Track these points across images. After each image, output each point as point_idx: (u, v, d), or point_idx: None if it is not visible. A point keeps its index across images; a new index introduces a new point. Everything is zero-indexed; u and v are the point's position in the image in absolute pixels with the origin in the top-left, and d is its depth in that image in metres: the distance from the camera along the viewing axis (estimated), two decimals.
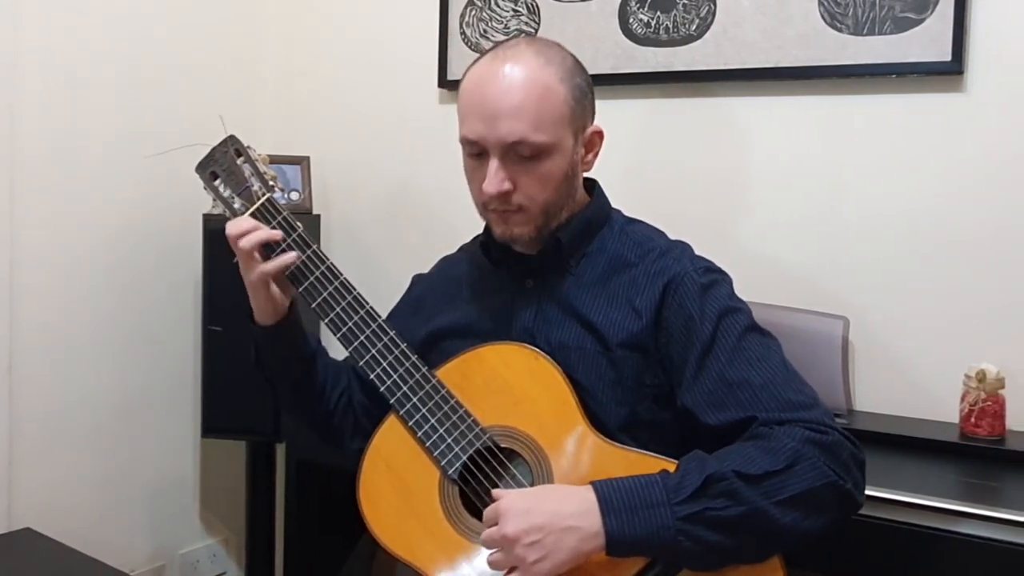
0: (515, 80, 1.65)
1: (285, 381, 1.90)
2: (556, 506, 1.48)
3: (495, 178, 1.66)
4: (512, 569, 1.48)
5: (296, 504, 2.89)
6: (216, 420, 2.92)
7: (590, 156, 1.79)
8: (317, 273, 1.74)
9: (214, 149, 1.81)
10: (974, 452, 2.12)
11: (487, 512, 1.52)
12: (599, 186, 1.89)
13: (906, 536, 1.87)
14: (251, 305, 1.80)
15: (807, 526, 1.49)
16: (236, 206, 1.78)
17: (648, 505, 1.46)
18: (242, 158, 1.80)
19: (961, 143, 2.30)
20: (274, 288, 1.76)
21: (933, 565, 1.86)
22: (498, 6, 2.91)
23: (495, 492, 1.55)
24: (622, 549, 1.47)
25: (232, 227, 1.72)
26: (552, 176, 1.69)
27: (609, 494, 1.48)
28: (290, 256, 1.73)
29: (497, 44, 1.76)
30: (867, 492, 1.67)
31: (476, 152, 1.71)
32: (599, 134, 1.80)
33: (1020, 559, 1.77)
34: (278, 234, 1.73)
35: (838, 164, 2.45)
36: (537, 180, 1.68)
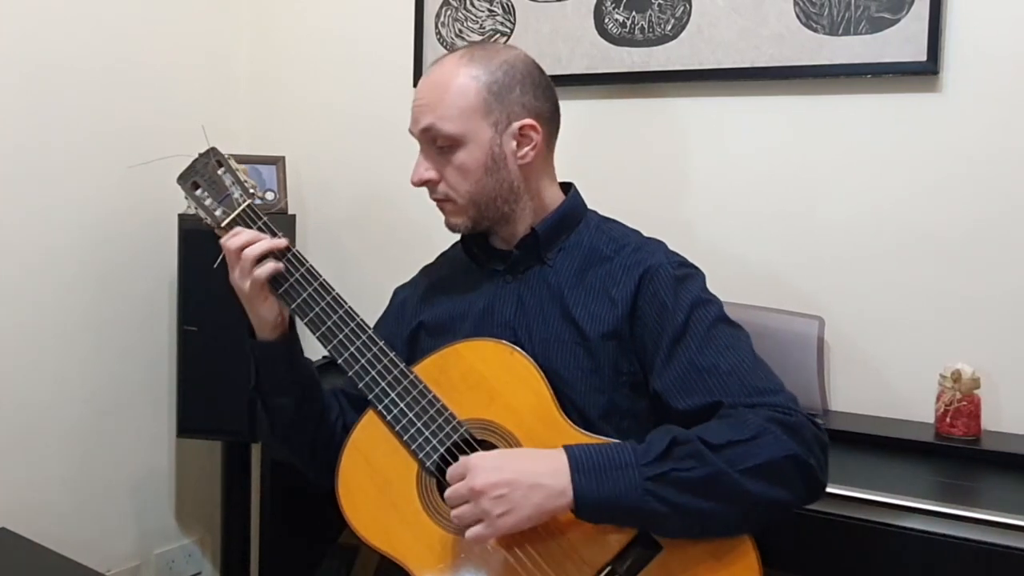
0: (431, 77, 1.78)
1: (286, 402, 1.83)
2: (526, 464, 1.51)
3: (418, 167, 1.79)
4: (477, 522, 1.49)
5: (271, 504, 2.87)
6: (191, 420, 2.90)
7: (526, 150, 1.79)
8: (297, 275, 1.74)
9: (195, 160, 1.82)
10: (949, 452, 2.11)
11: (453, 468, 1.53)
12: (575, 188, 1.92)
13: (882, 536, 1.86)
14: (250, 321, 1.78)
15: (773, 496, 1.50)
16: (217, 213, 1.79)
17: (616, 466, 1.49)
18: (223, 168, 1.81)
19: (936, 143, 2.28)
20: (271, 298, 1.76)
21: (909, 565, 1.85)
22: (473, 6, 2.87)
23: (462, 458, 1.55)
24: (589, 509, 1.49)
25: (232, 239, 1.72)
26: (468, 167, 1.75)
27: (579, 455, 1.50)
28: (275, 244, 1.74)
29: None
30: (843, 492, 1.68)
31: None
32: (532, 127, 1.78)
33: (996, 559, 1.76)
34: (283, 242, 1.75)
35: (814, 164, 2.43)
36: (455, 170, 1.76)
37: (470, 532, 1.49)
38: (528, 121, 1.78)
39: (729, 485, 1.48)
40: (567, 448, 1.51)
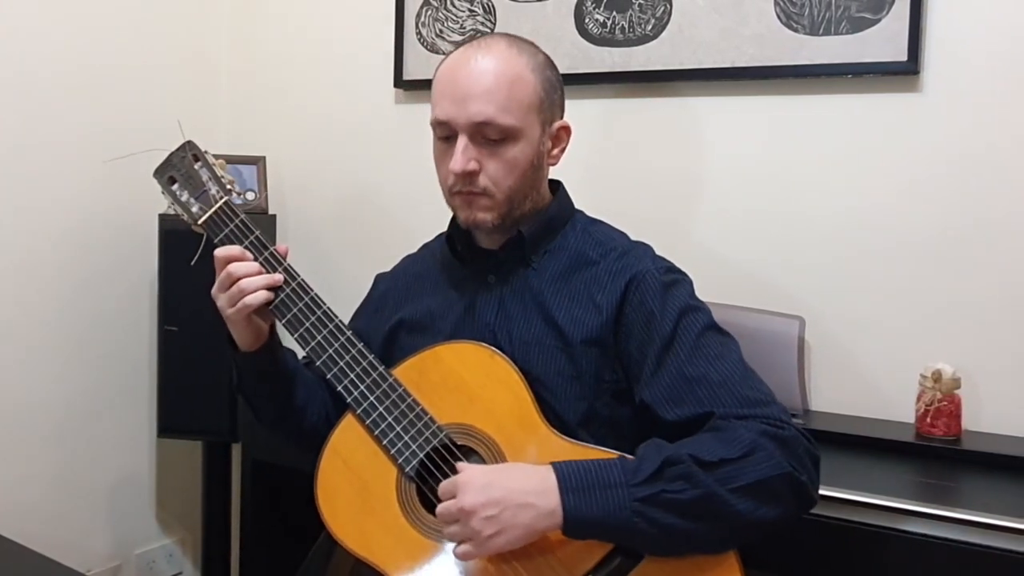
0: (487, 65, 1.67)
1: (268, 403, 1.85)
2: (515, 483, 1.47)
3: (462, 156, 1.66)
4: (465, 541, 1.47)
5: (252, 504, 2.86)
6: (172, 420, 2.87)
7: (556, 151, 1.79)
8: (288, 290, 1.71)
9: (171, 154, 1.79)
10: (930, 452, 2.09)
11: (445, 484, 1.50)
12: (563, 187, 1.89)
13: (862, 536, 1.84)
14: (231, 334, 1.75)
15: (761, 515, 1.47)
16: (194, 210, 1.76)
17: (605, 485, 1.45)
18: (199, 163, 1.78)
19: (917, 143, 2.26)
20: (255, 316, 1.71)
21: (889, 565, 1.83)
22: (454, 6, 2.84)
23: (459, 465, 1.52)
24: (578, 529, 1.46)
25: (234, 267, 1.68)
26: (517, 162, 1.69)
27: (568, 474, 1.46)
28: (273, 280, 1.69)
29: (473, 37, 1.77)
30: (823, 492, 1.67)
31: (445, 135, 1.71)
32: (566, 129, 1.80)
33: (976, 559, 1.75)
34: (280, 278, 1.70)
35: (794, 164, 2.40)
36: (503, 164, 1.69)
37: (458, 550, 1.47)
38: (565, 123, 1.79)
39: (719, 506, 1.45)
40: (555, 466, 1.47)
